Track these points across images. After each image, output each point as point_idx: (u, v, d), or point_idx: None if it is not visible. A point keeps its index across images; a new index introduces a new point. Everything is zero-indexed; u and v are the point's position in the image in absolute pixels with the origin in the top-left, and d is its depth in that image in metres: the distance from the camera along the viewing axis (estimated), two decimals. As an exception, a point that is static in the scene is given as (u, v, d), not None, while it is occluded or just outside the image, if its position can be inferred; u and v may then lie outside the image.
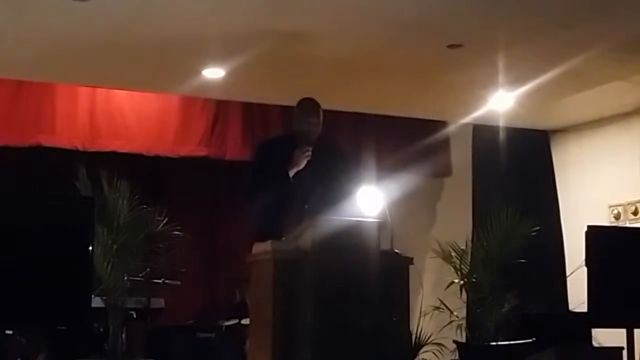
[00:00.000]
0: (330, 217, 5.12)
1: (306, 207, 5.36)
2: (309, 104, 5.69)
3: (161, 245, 7.01)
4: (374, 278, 5.04)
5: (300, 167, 5.54)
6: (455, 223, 8.70)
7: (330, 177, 5.58)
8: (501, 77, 7.38)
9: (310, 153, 5.54)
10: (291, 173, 5.54)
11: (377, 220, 5.25)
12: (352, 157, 6.26)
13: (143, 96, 8.05)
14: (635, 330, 5.69)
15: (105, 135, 7.89)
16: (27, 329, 5.92)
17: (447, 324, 7.73)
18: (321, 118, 5.65)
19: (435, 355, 7.73)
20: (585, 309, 5.61)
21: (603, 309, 5.49)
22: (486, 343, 7.36)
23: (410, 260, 5.45)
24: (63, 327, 5.80)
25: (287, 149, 5.58)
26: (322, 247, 4.95)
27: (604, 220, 8.63)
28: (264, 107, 8.36)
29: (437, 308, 7.77)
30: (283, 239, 5.13)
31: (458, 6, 6.02)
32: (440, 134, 8.95)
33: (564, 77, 7.32)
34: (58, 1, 5.84)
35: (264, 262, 5.07)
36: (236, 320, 7.51)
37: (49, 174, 7.66)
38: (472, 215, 9.01)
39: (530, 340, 6.67)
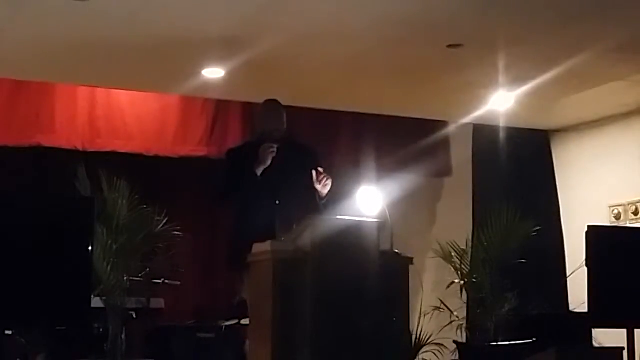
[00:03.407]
0: (330, 217, 5.13)
1: (277, 203, 5.40)
2: (271, 104, 5.90)
3: (161, 245, 7.01)
4: (373, 278, 5.04)
5: (267, 164, 5.66)
6: (455, 223, 8.69)
7: (299, 173, 5.65)
8: (501, 77, 7.37)
9: (274, 150, 5.65)
10: (258, 171, 5.65)
11: (377, 220, 5.26)
12: (321, 152, 6.31)
13: (143, 96, 8.04)
14: (636, 331, 5.69)
15: (105, 135, 7.89)
16: (27, 329, 5.92)
17: (447, 324, 7.74)
18: (284, 117, 5.83)
19: (436, 355, 7.72)
20: (585, 309, 5.61)
21: (603, 309, 5.48)
22: (486, 343, 7.37)
23: (410, 260, 5.45)
24: (63, 327, 5.81)
25: (255, 152, 5.70)
26: (322, 247, 4.95)
27: (605, 220, 8.61)
28: (264, 107, 8.35)
29: (437, 308, 7.78)
30: (283, 239, 5.13)
31: (458, 6, 6.01)
32: (440, 134, 8.94)
33: (564, 77, 7.32)
34: (58, 1, 5.84)
35: (263, 262, 5.07)
36: (236, 320, 7.50)
37: (49, 174, 7.66)
38: (472, 215, 9.00)
39: (530, 340, 6.66)
